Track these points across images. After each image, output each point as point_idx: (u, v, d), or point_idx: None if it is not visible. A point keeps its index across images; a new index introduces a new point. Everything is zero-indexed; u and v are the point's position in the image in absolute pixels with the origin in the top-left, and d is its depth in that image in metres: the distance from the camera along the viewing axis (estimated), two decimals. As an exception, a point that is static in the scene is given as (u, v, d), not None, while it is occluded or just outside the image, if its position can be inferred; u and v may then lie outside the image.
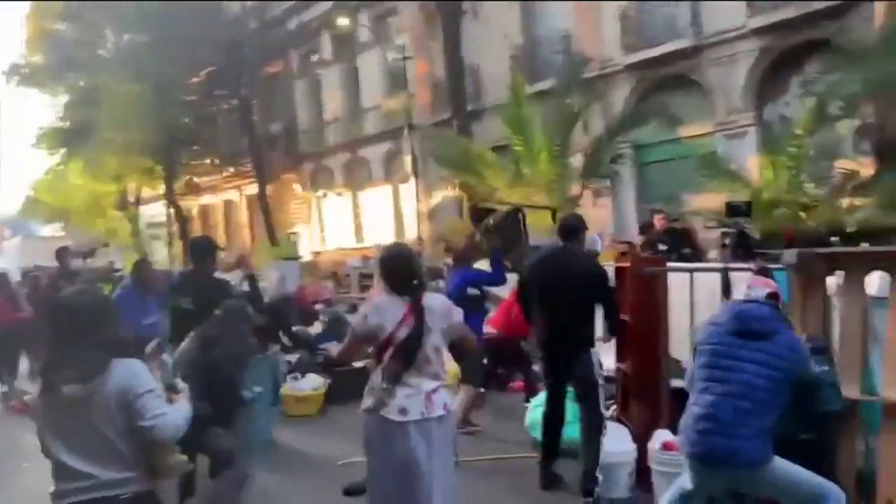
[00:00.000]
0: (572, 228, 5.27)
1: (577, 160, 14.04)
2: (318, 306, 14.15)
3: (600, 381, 4.97)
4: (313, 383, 8.46)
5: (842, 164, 10.50)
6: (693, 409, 3.54)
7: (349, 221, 26.21)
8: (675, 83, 15.56)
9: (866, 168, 9.74)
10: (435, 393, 3.72)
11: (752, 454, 3.34)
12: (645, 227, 12.10)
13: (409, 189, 21.73)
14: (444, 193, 17.79)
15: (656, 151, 16.19)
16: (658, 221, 10.61)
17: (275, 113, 28.94)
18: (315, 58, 27.32)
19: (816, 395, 3.61)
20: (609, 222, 16.68)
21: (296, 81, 28.04)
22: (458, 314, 3.98)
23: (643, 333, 4.90)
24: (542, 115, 13.94)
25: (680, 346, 4.93)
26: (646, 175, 16.68)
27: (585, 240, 5.42)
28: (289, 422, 7.82)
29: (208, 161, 31.46)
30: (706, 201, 11.59)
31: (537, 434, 5.63)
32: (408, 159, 20.68)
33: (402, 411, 3.64)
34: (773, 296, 3.71)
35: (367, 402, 3.76)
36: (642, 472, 4.77)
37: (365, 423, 3.75)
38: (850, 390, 4.17)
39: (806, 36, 13.25)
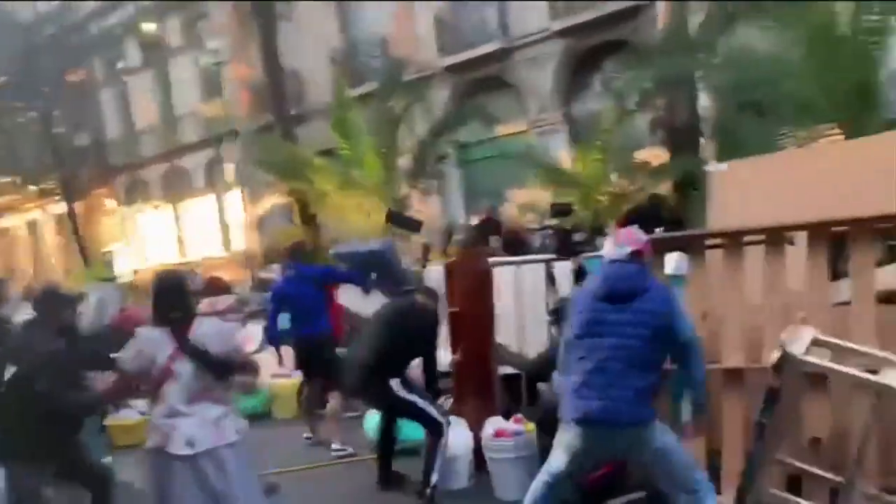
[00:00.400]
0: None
1: (404, 162, 14.28)
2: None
3: (411, 397, 5.06)
4: (139, 411, 8.02)
5: (643, 155, 11.46)
6: (572, 378, 3.54)
7: (171, 236, 24.94)
8: (490, 84, 16.24)
9: (660, 157, 10.66)
10: (223, 419, 3.63)
11: (632, 415, 3.41)
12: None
13: (234, 198, 21.04)
14: (272, 201, 17.41)
15: (478, 150, 16.81)
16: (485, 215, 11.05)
17: (80, 124, 26.92)
18: (122, 64, 25.71)
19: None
20: (438, 219, 17.11)
21: (102, 90, 26.26)
22: (234, 338, 3.94)
23: (472, 324, 5.11)
24: (367, 118, 14.05)
25: (507, 334, 5.18)
26: (470, 173, 17.28)
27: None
28: (116, 452, 7.36)
29: (8, 180, 28.70)
30: (529, 196, 12.26)
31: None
32: (230, 167, 20.00)
33: (190, 443, 3.52)
34: (636, 253, 3.64)
35: (152, 440, 3.59)
36: (480, 459, 4.97)
37: (149, 464, 3.57)
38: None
39: (603, 37, 14.31)
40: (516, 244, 9.13)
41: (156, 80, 24.47)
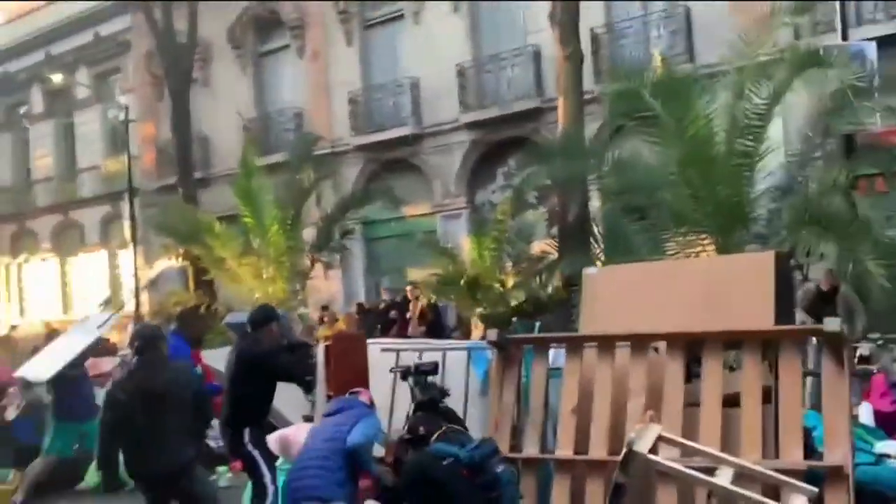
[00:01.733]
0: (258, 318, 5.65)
1: (308, 233, 14.36)
2: (11, 389, 12.61)
3: (254, 452, 5.35)
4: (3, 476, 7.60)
5: (538, 247, 12.01)
6: None
7: (56, 290, 23.81)
8: (400, 166, 16.74)
9: (552, 250, 11.20)
10: None
11: None
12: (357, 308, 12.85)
13: (127, 256, 20.41)
14: (167, 262, 17.04)
15: (383, 228, 17.12)
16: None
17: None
18: (24, 111, 24.94)
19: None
20: (340, 293, 17.16)
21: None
22: None
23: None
24: (274, 187, 14.11)
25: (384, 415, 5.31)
26: (374, 250, 17.52)
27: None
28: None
29: None
30: (424, 275, 12.56)
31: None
32: (127, 225, 19.49)
33: None
34: None
35: None
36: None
37: None
38: (530, 449, 4.86)
39: (509, 133, 15.10)
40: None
41: (59, 129, 23.81)
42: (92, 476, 7.90)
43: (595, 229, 10.67)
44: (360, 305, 14.92)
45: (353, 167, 17.22)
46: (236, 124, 18.49)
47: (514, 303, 11.25)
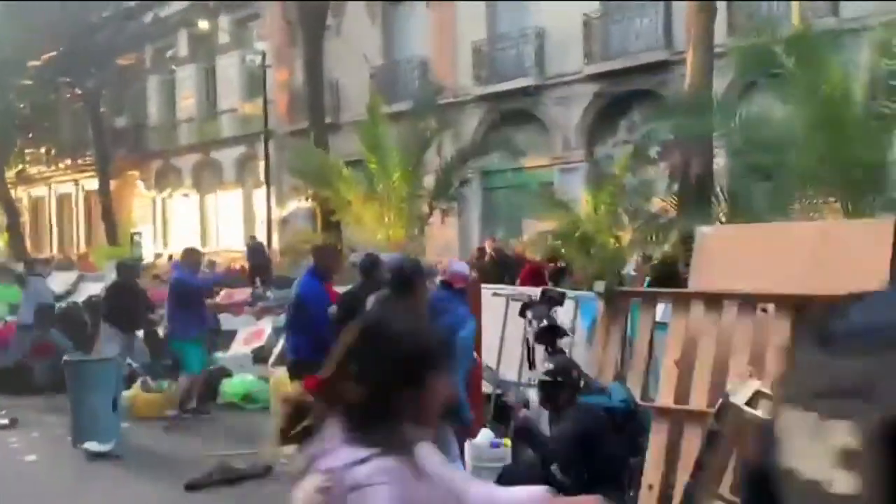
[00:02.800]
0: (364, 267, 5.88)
1: (428, 181, 14.81)
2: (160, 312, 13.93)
3: None
4: (161, 385, 8.58)
5: (657, 204, 11.91)
6: None
7: (195, 224, 25.66)
8: (520, 117, 16.81)
9: (672, 208, 11.10)
10: None
11: None
12: (478, 252, 13.14)
13: (261, 195, 21.70)
14: (298, 203, 18.01)
15: (501, 178, 17.35)
16: (489, 245, 11.55)
17: (123, 107, 27.86)
18: (171, 54, 26.63)
19: None
20: (455, 241, 17.65)
21: (149, 76, 27.17)
22: None
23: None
24: (398, 135, 14.59)
25: (489, 355, 5.68)
26: (490, 199, 17.82)
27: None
28: (140, 422, 7.90)
29: (43, 150, 29.65)
30: (543, 227, 12.73)
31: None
32: (262, 165, 20.68)
33: None
34: (443, 283, 4.74)
35: None
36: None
37: None
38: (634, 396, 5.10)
39: (633, 85, 14.84)
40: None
41: (201, 73, 25.32)
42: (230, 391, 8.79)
43: (717, 188, 10.52)
44: (480, 250, 15.23)
45: (475, 117, 17.46)
46: (366, 72, 19.07)
47: (628, 259, 11.30)
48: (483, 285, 6.20)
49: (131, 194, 27.78)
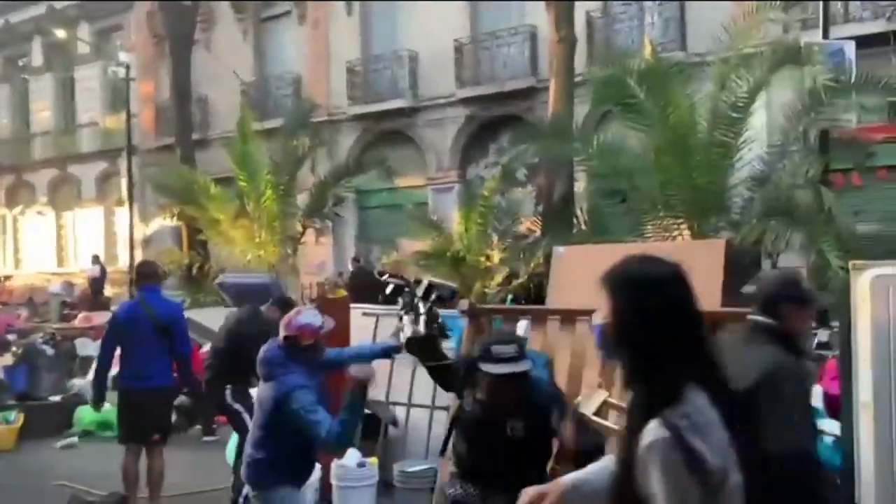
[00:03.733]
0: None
1: (302, 200, 14.67)
2: (11, 336, 13.03)
3: (239, 409, 5.60)
4: (6, 417, 8.01)
5: (525, 225, 12.37)
6: None
7: (51, 243, 24.12)
8: (395, 137, 17.02)
9: (537, 229, 11.55)
10: None
11: (252, 473, 3.68)
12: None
13: (124, 213, 20.71)
14: (162, 221, 17.34)
15: (376, 198, 17.44)
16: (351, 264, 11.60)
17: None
18: (23, 63, 25.04)
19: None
20: (330, 260, 17.54)
21: (-1, 86, 25.44)
22: None
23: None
24: (270, 152, 14.40)
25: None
26: (366, 218, 17.85)
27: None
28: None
29: None
30: (417, 246, 12.91)
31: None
32: (124, 182, 19.76)
33: None
34: (286, 338, 3.64)
35: None
36: (327, 488, 5.45)
37: None
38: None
39: (502, 110, 15.38)
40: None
41: (58, 84, 23.94)
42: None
43: (578, 210, 11.04)
44: (356, 259, 15.21)
45: (349, 136, 17.49)
46: (236, 88, 18.70)
47: (497, 278, 11.63)
48: (352, 305, 6.23)
49: (-22, 212, 25.80)
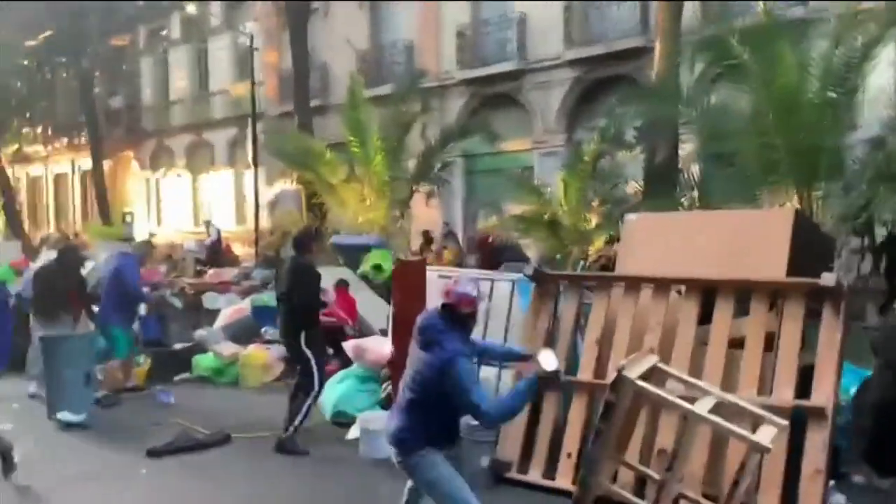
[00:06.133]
0: (298, 242, 6.72)
1: (412, 164, 15.08)
2: (145, 289, 14.30)
3: (311, 356, 6.18)
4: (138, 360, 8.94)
5: (631, 187, 12.20)
6: None
7: (188, 204, 26.02)
8: (503, 101, 17.08)
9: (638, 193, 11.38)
10: None
11: (401, 439, 3.67)
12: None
13: (251, 176, 22.02)
14: (283, 185, 18.32)
15: (483, 162, 17.62)
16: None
17: (118, 87, 28.13)
18: (164, 35, 26.84)
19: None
20: (439, 223, 17.96)
21: (142, 57, 27.40)
22: None
23: (406, 324, 5.95)
24: (381, 118, 14.85)
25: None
26: (473, 182, 18.10)
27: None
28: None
29: (40, 130, 29.98)
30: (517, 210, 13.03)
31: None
32: (250, 147, 20.97)
33: None
34: (445, 306, 3.69)
35: None
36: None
37: None
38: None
39: (611, 71, 15.08)
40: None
41: (194, 54, 25.55)
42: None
43: (684, 174, 10.79)
44: (445, 224, 15.64)
45: (458, 101, 17.71)
46: (354, 55, 19.29)
47: (598, 243, 11.59)
48: (429, 268, 6.55)
49: (126, 174, 28.13)
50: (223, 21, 23.82)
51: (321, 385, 6.29)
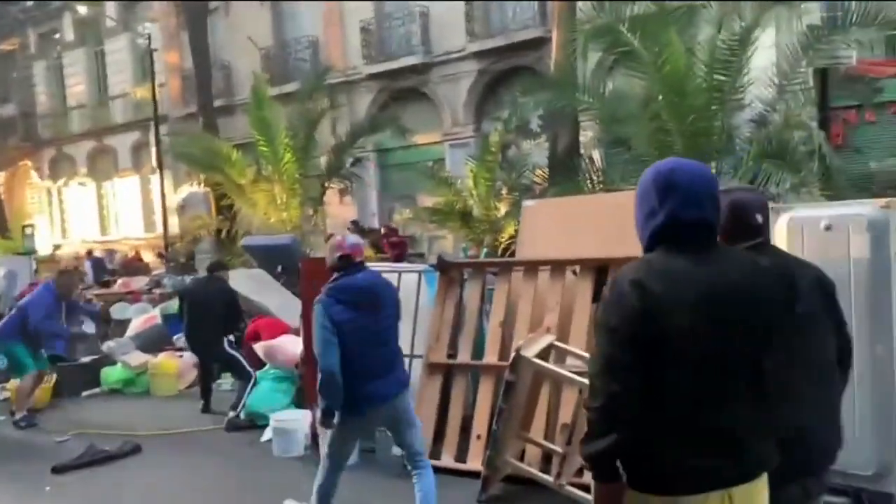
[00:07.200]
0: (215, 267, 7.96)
1: (323, 162, 14.98)
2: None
3: (235, 352, 7.24)
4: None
5: (537, 175, 12.50)
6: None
7: (93, 213, 25.09)
8: (411, 94, 17.18)
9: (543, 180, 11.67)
10: None
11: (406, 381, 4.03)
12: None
13: (157, 181, 21.41)
14: (191, 188, 17.90)
15: (395, 156, 17.71)
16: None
17: (9, 94, 26.81)
18: (57, 38, 25.74)
19: None
20: (353, 218, 17.94)
21: (34, 62, 26.19)
22: None
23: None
24: (288, 116, 14.68)
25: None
26: (387, 176, 18.15)
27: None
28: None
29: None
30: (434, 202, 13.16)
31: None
32: (154, 151, 20.40)
33: None
34: (343, 257, 3.93)
35: None
36: (314, 433, 5.88)
37: None
38: (464, 356, 5.61)
39: (513, 62, 15.38)
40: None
41: (90, 57, 24.60)
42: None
43: (584, 160, 11.12)
44: (354, 223, 15.70)
45: (367, 95, 17.71)
46: (257, 53, 18.99)
47: (510, 230, 11.83)
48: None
49: (24, 185, 26.88)
50: (119, 22, 23.01)
51: (255, 370, 7.09)
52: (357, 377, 3.71)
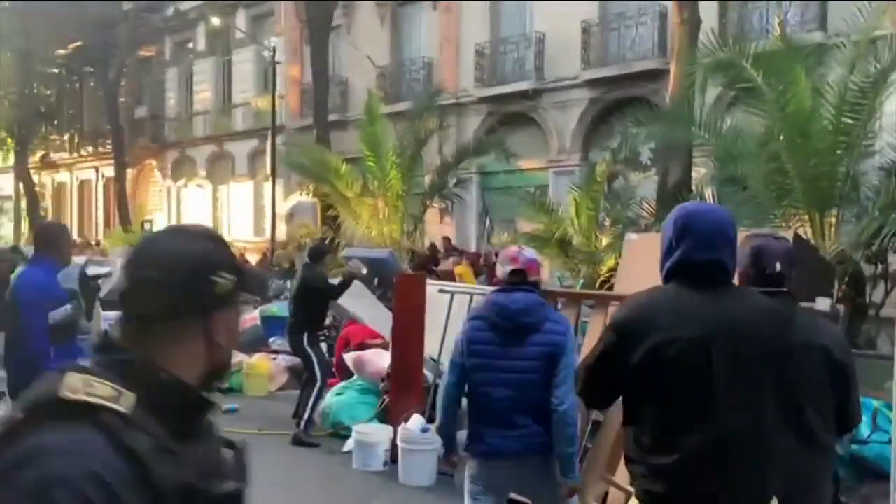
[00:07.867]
0: (312, 253, 7.65)
1: (427, 180, 15.18)
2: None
3: (312, 354, 6.98)
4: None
5: (644, 208, 12.17)
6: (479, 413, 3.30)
7: (208, 214, 26.29)
8: (519, 119, 17.16)
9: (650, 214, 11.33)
10: None
11: (545, 442, 3.26)
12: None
13: (269, 188, 22.21)
14: (300, 197, 18.48)
15: (498, 179, 17.69)
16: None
17: (143, 97, 28.59)
18: (189, 47, 27.29)
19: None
20: (452, 238, 18.01)
21: (168, 69, 27.85)
22: None
23: (405, 334, 5.99)
24: (398, 134, 14.97)
25: (433, 346, 6.05)
26: (488, 199, 18.15)
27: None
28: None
29: (67, 137, 30.51)
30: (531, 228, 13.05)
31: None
32: (268, 159, 21.20)
33: None
34: (516, 272, 3.34)
35: None
36: (395, 449, 5.84)
37: None
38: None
39: (627, 92, 15.09)
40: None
41: (218, 66, 25.93)
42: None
43: (695, 197, 10.72)
44: (446, 239, 15.77)
45: (475, 118, 17.81)
46: (374, 71, 19.49)
47: (610, 262, 11.55)
48: (429, 282, 6.58)
49: (147, 183, 28.50)
50: (248, 34, 24.16)
51: (324, 378, 6.87)
52: None
